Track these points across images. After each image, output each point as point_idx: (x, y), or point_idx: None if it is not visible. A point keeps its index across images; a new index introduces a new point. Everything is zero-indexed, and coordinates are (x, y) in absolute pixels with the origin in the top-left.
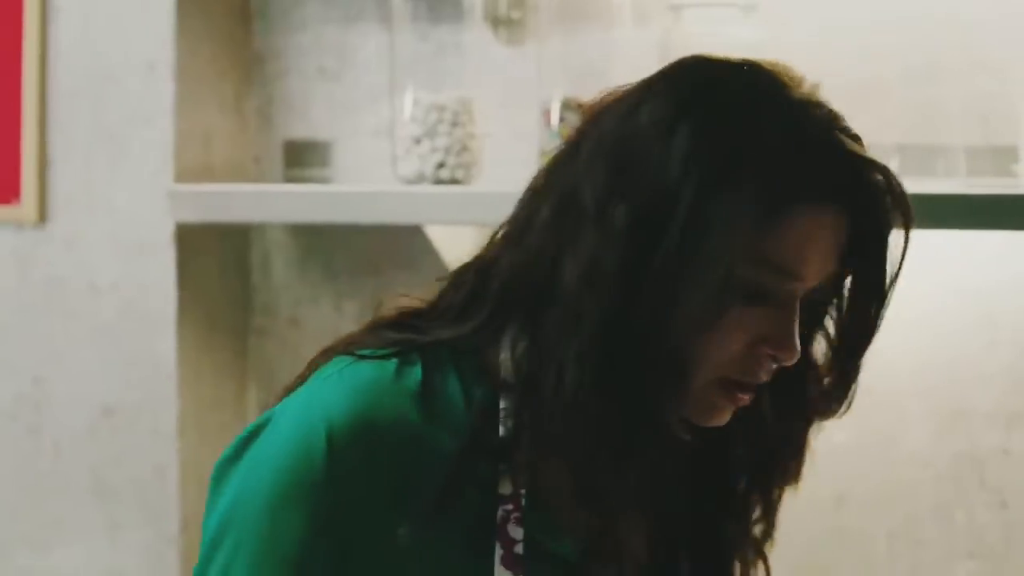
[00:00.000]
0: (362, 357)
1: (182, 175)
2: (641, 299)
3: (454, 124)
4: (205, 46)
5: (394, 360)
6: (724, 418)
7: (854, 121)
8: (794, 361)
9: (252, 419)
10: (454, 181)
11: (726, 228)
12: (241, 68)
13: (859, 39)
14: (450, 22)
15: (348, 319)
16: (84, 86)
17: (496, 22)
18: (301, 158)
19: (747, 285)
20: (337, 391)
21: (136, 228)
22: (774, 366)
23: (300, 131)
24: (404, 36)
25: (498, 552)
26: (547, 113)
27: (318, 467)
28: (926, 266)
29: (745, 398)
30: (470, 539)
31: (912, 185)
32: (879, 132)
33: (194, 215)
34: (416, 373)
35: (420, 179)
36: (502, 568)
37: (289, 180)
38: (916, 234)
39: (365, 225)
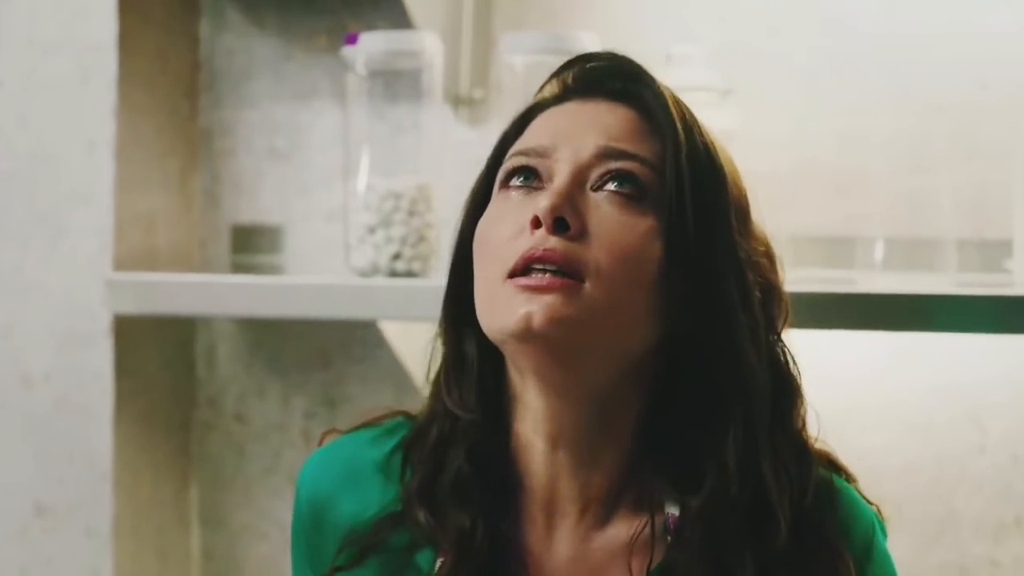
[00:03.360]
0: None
1: (122, 260)
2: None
3: (411, 213)
4: (148, 122)
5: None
6: (529, 315)
7: (834, 210)
8: (546, 210)
9: (194, 520)
10: (410, 274)
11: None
12: (187, 146)
13: (841, 124)
14: (408, 101)
15: (296, 414)
16: (19, 165)
17: (457, 101)
18: (250, 243)
19: (510, 173)
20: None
21: (72, 316)
22: (538, 232)
23: (249, 214)
24: (359, 115)
25: None
26: None
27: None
28: (910, 365)
29: (531, 282)
30: None
31: (898, 282)
32: (862, 223)
33: (133, 306)
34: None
35: (374, 271)
36: None
37: (237, 266)
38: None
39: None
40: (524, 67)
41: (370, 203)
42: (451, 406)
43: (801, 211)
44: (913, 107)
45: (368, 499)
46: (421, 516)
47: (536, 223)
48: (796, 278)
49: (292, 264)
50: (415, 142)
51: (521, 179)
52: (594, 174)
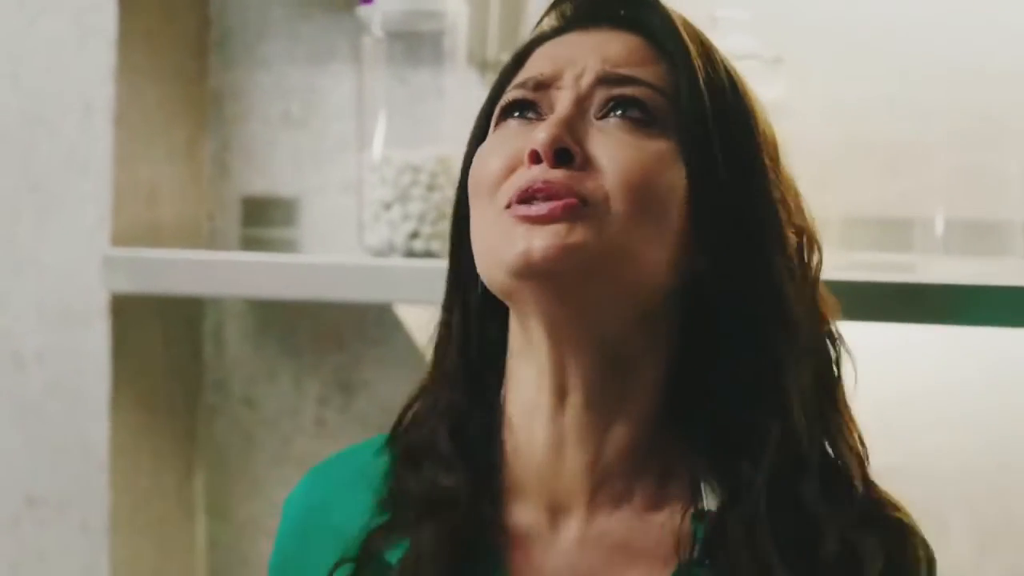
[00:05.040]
0: None
1: (122, 235)
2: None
3: (430, 187)
4: (152, 85)
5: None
6: (529, 249)
7: (889, 188)
8: (545, 142)
9: (199, 510)
10: (429, 254)
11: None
12: (194, 111)
13: (899, 95)
14: (430, 65)
15: (309, 399)
16: (9, 130)
17: (484, 66)
18: (262, 216)
19: (506, 108)
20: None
21: (66, 294)
22: (537, 167)
23: (261, 185)
24: (375, 81)
25: None
26: None
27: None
28: (967, 356)
29: (531, 211)
30: None
31: (960, 268)
32: (920, 202)
33: (132, 285)
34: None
35: (390, 250)
36: None
37: (248, 240)
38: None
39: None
40: None
41: (386, 176)
42: (439, 375)
43: (853, 189)
44: (975, 74)
45: (358, 510)
46: (397, 505)
47: (535, 157)
48: (850, 263)
49: (308, 239)
50: (436, 110)
51: (518, 113)
52: (596, 102)
